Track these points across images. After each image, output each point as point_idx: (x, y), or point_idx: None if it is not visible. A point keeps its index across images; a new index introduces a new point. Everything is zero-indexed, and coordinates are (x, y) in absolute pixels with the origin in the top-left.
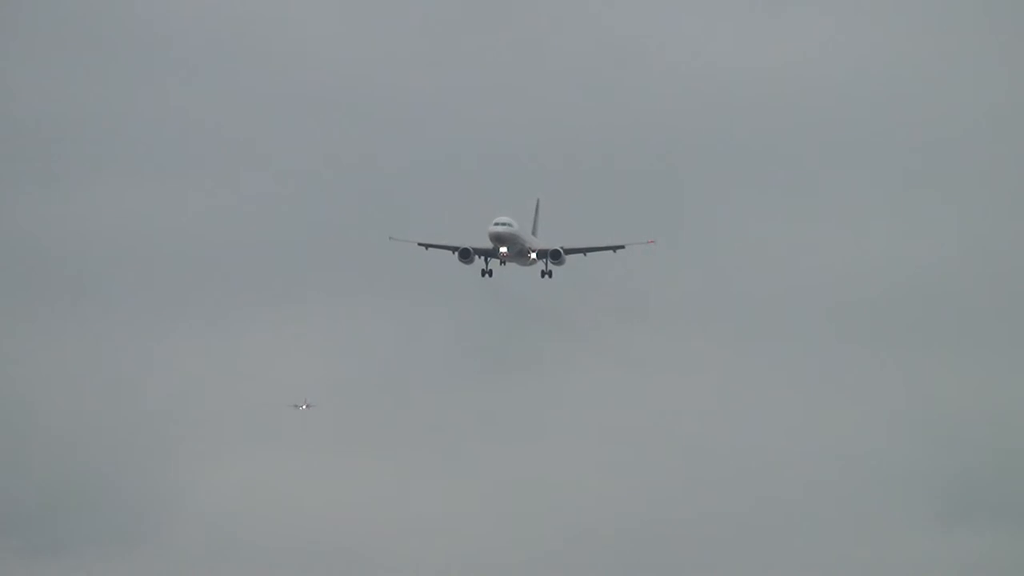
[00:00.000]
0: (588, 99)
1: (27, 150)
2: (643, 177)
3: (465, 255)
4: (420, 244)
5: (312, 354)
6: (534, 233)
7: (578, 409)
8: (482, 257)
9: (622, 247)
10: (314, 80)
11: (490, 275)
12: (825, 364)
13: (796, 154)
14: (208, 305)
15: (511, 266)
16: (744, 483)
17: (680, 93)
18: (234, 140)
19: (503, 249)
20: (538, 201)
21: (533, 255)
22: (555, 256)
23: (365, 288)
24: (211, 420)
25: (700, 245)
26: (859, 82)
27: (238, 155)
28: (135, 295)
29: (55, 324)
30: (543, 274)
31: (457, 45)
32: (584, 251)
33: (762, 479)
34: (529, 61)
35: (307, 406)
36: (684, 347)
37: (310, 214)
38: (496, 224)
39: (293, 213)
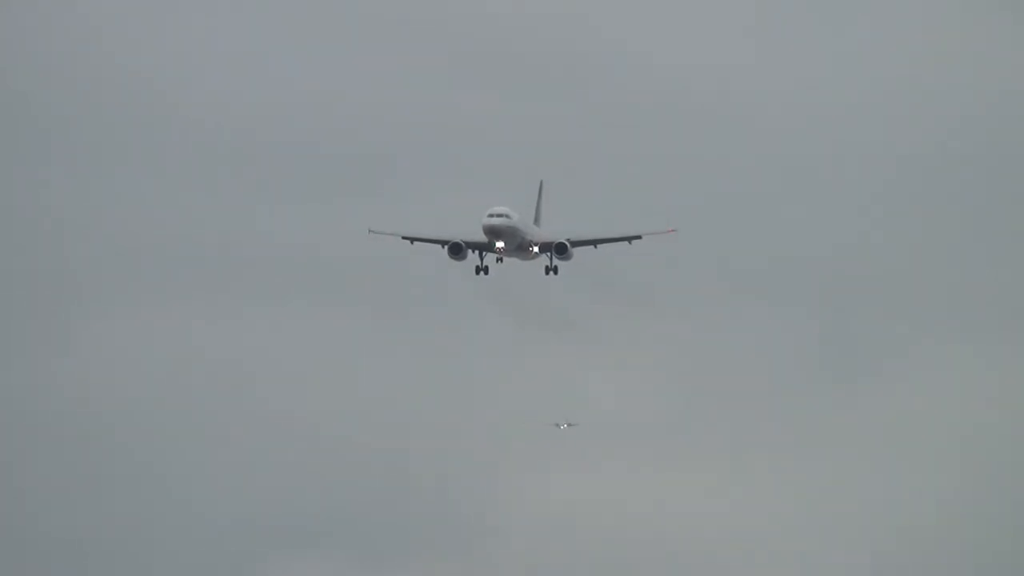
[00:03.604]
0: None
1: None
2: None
3: (456, 250)
4: (404, 238)
5: (562, 372)
6: (536, 221)
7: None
8: (476, 252)
9: (638, 237)
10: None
11: (486, 272)
12: None
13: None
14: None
15: (511, 260)
16: None
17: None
18: None
19: (500, 244)
20: (541, 184)
21: (535, 249)
22: (560, 250)
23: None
24: (485, 440)
25: None
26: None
27: None
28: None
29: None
30: (547, 270)
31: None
32: (595, 243)
33: None
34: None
35: (567, 425)
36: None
37: None
38: (491, 215)
39: None
